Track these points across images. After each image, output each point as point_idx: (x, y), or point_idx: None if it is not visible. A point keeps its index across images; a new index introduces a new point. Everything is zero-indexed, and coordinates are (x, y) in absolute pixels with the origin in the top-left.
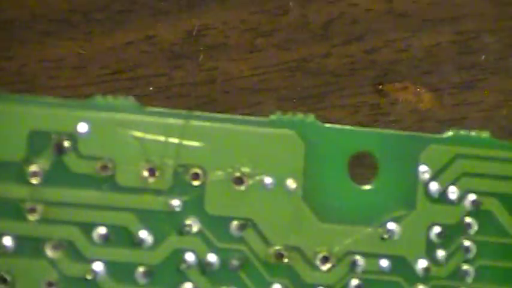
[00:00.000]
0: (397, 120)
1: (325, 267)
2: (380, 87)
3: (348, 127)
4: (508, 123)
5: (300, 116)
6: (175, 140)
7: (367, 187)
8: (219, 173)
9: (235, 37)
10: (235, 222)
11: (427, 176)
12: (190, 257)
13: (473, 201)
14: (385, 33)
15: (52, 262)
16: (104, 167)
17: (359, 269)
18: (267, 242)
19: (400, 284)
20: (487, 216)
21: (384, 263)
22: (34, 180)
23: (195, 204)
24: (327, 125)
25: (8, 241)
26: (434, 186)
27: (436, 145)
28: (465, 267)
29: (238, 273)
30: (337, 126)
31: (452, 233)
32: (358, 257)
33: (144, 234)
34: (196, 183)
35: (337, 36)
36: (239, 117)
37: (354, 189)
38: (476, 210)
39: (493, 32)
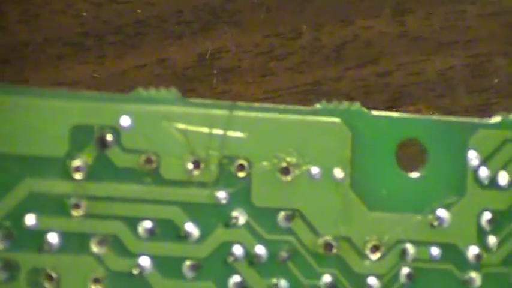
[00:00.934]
0: None
1: (375, 256)
2: (393, 110)
3: (394, 114)
4: None
5: (345, 103)
6: (219, 132)
7: (416, 174)
8: (265, 163)
9: (249, 60)
10: (282, 213)
11: (476, 161)
12: (237, 249)
13: None
14: (398, 57)
15: (98, 258)
16: (148, 161)
17: (409, 258)
18: (315, 233)
19: (452, 271)
20: None
21: (435, 251)
22: (77, 176)
23: (241, 196)
24: (374, 112)
25: (53, 238)
26: (484, 172)
27: (485, 130)
28: None
29: (287, 264)
30: (384, 114)
31: (503, 218)
32: (408, 246)
33: (190, 227)
34: (241, 174)
35: (351, 59)
36: (283, 107)
37: (402, 177)
38: None
39: (506, 54)
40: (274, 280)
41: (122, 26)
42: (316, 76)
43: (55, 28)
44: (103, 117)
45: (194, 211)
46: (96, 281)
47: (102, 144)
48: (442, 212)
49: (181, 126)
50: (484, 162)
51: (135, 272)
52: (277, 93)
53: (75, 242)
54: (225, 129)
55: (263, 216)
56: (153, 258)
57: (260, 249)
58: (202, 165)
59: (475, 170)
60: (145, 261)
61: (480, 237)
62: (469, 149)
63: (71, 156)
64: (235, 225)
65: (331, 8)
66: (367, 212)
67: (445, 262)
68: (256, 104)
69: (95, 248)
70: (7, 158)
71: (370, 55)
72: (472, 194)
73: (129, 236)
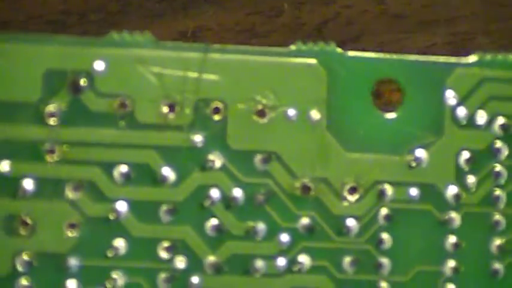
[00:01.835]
0: None
1: (353, 198)
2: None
3: (371, 54)
4: None
5: (321, 44)
6: (194, 74)
7: (393, 115)
8: (241, 106)
9: (230, 38)
10: (259, 156)
11: (454, 101)
12: (214, 192)
13: (502, 125)
14: (379, 35)
15: (73, 203)
16: (123, 105)
17: (388, 199)
18: (292, 175)
19: (431, 212)
20: None
21: (413, 191)
22: (51, 121)
23: (217, 139)
24: (350, 52)
25: (28, 184)
26: (462, 111)
27: (462, 69)
28: (497, 192)
29: (264, 207)
30: (360, 54)
31: (482, 158)
32: (386, 186)
33: (166, 171)
34: (217, 117)
35: (332, 37)
36: (259, 48)
37: (379, 117)
38: (506, 134)
39: (487, 33)
40: (252, 223)
41: (104, 4)
42: None
43: (37, 6)
44: (76, 61)
45: (170, 155)
46: (71, 226)
47: (76, 88)
48: (420, 152)
49: (155, 69)
50: (462, 101)
51: (111, 217)
52: None
53: (50, 187)
54: (200, 71)
55: (239, 159)
56: (129, 202)
57: (237, 192)
58: (177, 109)
59: (453, 109)
60: (121, 206)
61: (459, 177)
62: (446, 88)
63: (44, 101)
64: (211, 169)
65: None
66: (344, 153)
67: (424, 202)
68: (231, 46)
69: (70, 194)
70: None
71: (351, 33)
72: (450, 133)
73: (104, 180)
